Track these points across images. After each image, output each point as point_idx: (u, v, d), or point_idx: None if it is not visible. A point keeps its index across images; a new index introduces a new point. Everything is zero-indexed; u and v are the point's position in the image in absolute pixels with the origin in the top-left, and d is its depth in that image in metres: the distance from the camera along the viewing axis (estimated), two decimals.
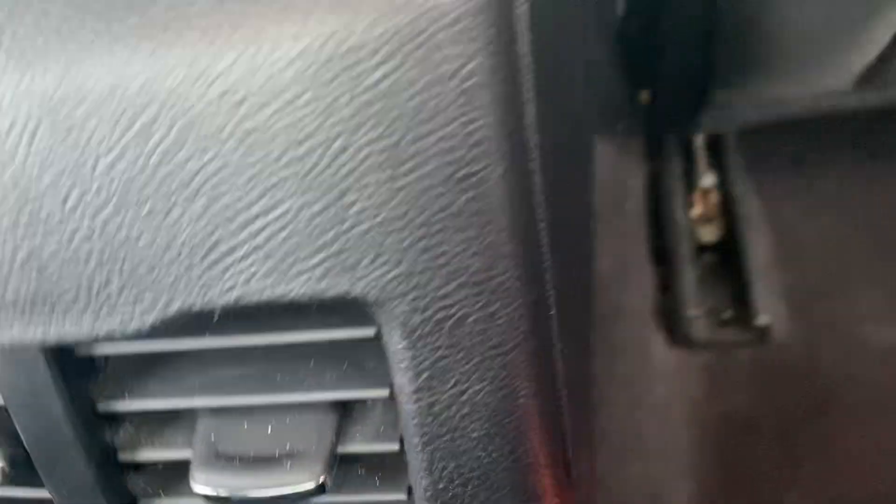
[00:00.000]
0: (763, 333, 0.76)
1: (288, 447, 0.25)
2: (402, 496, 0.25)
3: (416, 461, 0.24)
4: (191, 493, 0.27)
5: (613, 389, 0.72)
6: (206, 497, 0.25)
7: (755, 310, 0.77)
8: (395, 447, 0.24)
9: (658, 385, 0.77)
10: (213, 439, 0.25)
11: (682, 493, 0.73)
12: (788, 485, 0.74)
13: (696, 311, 0.78)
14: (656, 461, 0.72)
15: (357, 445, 0.25)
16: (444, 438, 0.23)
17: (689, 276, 0.80)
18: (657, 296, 0.81)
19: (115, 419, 0.26)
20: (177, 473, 0.27)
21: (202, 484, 0.25)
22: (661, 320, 0.80)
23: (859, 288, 0.83)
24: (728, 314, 0.79)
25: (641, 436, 0.73)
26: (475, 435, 0.23)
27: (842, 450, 0.75)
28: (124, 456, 0.26)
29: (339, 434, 0.25)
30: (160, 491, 0.27)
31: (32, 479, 0.27)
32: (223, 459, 0.25)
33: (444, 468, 0.24)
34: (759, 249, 0.84)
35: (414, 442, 0.23)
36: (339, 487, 0.26)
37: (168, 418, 0.27)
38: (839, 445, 0.75)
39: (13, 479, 0.28)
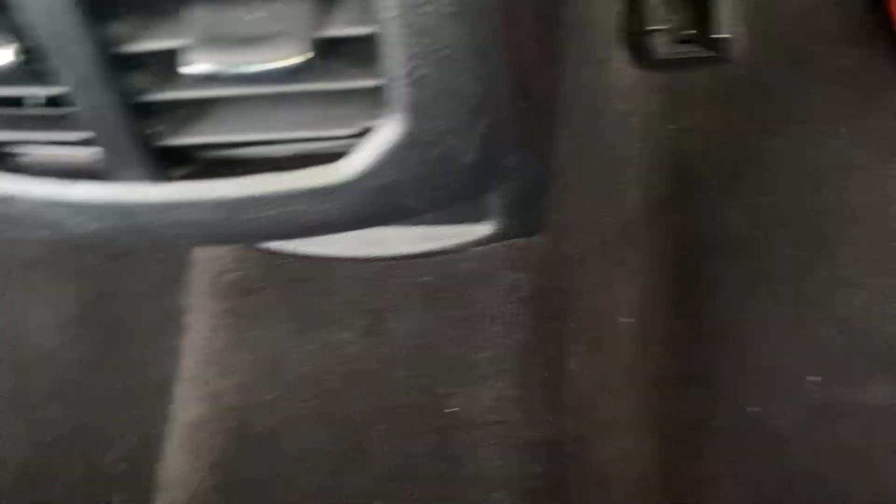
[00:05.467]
0: (721, 47, 0.79)
1: (273, 30, 0.27)
2: (379, 81, 0.29)
3: (393, 38, 0.27)
4: (180, 86, 0.30)
5: (571, 97, 0.76)
6: (196, 78, 0.28)
7: (716, 26, 0.79)
8: (371, 30, 0.27)
9: (616, 99, 0.81)
10: (203, 26, 0.28)
11: (634, 194, 0.79)
12: (730, 195, 0.81)
13: (660, 26, 0.80)
14: (611, 164, 0.77)
15: (338, 29, 0.28)
16: (421, 10, 0.26)
17: None
18: (623, 13, 0.82)
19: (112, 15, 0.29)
20: (167, 68, 0.30)
21: (194, 63, 0.28)
22: (625, 37, 0.81)
23: (824, 9, 0.85)
24: (690, 31, 0.81)
25: (597, 142, 0.78)
26: (446, 11, 0.26)
27: (781, 166, 0.81)
28: (124, 48, 0.29)
29: (322, 20, 0.28)
30: (151, 85, 0.30)
31: (44, 78, 0.30)
32: (214, 43, 0.28)
33: (416, 43, 0.27)
34: None
35: (392, 15, 0.26)
36: (320, 75, 0.29)
37: (160, 19, 0.29)
38: (780, 162, 0.81)
39: (23, 74, 0.30)
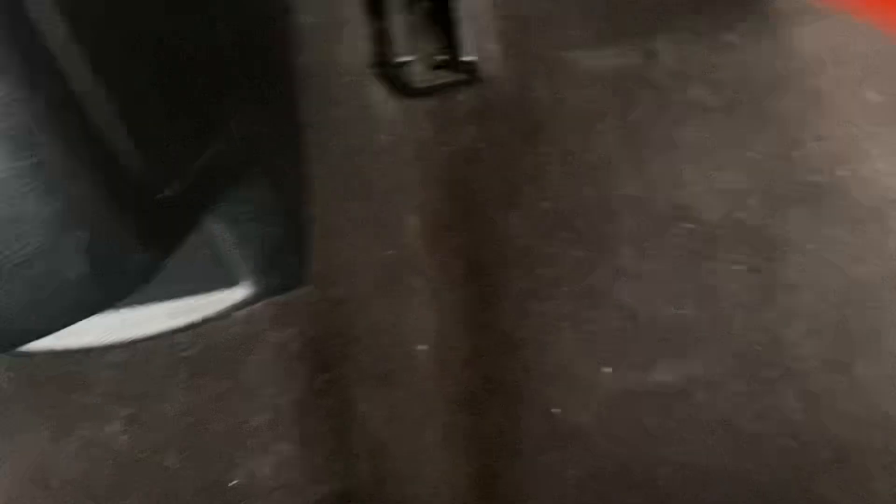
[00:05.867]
0: (472, 69, 0.81)
1: None
2: None
3: None
4: None
5: (329, 138, 0.76)
6: None
7: (465, 49, 0.81)
8: None
9: (382, 132, 0.82)
10: None
11: (414, 223, 0.80)
12: (508, 206, 0.83)
13: (410, 57, 0.81)
14: (380, 198, 0.78)
15: None
16: None
17: (402, 24, 0.82)
18: (373, 48, 0.83)
19: None
20: None
21: None
22: (380, 71, 0.83)
23: (569, 17, 0.89)
24: (442, 57, 0.83)
25: (367, 178, 0.78)
26: None
27: (550, 171, 0.84)
28: None
29: None
30: None
31: None
32: None
33: None
34: None
35: None
36: None
37: None
38: (550, 167, 0.85)
39: None
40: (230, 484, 0.57)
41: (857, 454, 0.76)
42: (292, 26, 0.72)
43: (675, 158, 0.85)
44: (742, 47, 0.88)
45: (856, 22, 0.88)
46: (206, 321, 0.62)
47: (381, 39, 0.82)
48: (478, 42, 0.83)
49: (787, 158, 0.84)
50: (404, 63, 0.81)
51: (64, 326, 0.32)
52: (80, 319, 0.33)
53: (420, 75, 0.82)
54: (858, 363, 0.78)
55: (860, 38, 0.88)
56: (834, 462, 0.76)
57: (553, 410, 0.77)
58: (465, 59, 0.80)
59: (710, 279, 0.81)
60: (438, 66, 0.83)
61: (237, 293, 0.62)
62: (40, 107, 0.26)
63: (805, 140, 0.85)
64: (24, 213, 0.27)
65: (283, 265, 0.64)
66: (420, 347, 0.75)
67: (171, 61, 0.35)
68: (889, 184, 0.82)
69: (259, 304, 0.64)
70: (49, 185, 0.27)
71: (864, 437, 0.77)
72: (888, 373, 0.77)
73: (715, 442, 0.77)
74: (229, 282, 0.62)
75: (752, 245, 0.82)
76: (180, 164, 0.38)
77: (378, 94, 0.82)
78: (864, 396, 0.77)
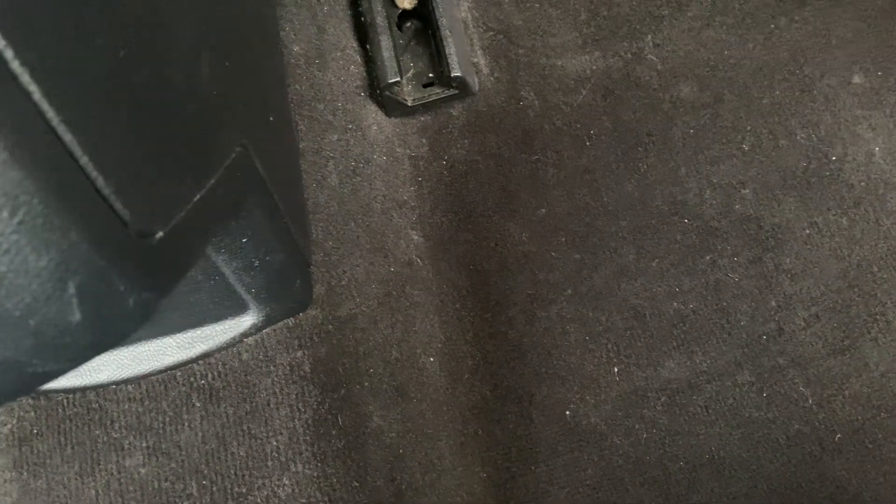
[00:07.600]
0: (460, 84, 0.83)
1: None
2: None
3: None
4: None
5: (326, 162, 0.78)
6: None
7: (453, 64, 0.83)
8: None
9: (379, 152, 0.84)
10: None
11: (416, 237, 0.82)
12: (506, 215, 0.85)
13: (400, 77, 0.83)
14: (380, 217, 0.80)
15: None
16: None
17: (389, 45, 0.84)
18: (362, 69, 0.85)
19: None
20: None
21: None
22: (372, 93, 0.85)
23: (553, 24, 0.91)
24: (432, 74, 0.85)
25: (362, 198, 0.80)
26: None
27: (545, 177, 0.86)
28: None
29: None
30: None
31: None
32: None
33: None
34: (455, 6, 0.88)
35: None
36: None
37: None
38: (544, 173, 0.86)
39: None
40: None
41: (869, 436, 0.77)
42: (282, 56, 0.74)
43: (668, 155, 0.86)
44: (727, 41, 0.89)
45: (836, 8, 0.89)
46: (217, 350, 0.64)
47: (371, 62, 0.84)
48: (465, 56, 0.85)
49: (778, 147, 0.85)
50: (395, 83, 0.83)
51: (73, 368, 0.34)
52: (88, 360, 0.35)
53: (411, 94, 0.84)
54: (864, 345, 0.78)
55: (843, 23, 0.89)
56: (847, 445, 0.77)
57: (566, 412, 0.78)
58: (454, 74, 0.82)
59: (712, 272, 0.82)
60: (428, 84, 0.84)
61: (245, 320, 0.64)
62: (28, 164, 0.28)
63: (795, 128, 0.85)
64: (22, 266, 0.29)
65: (286, 290, 0.66)
66: (430, 359, 0.77)
67: (155, 104, 0.37)
68: (882, 165, 0.83)
69: (267, 330, 0.66)
70: (43, 239, 0.29)
71: (876, 419, 0.77)
72: (894, 353, 0.78)
73: (727, 433, 0.77)
74: (236, 310, 0.64)
75: (750, 235, 0.83)
76: (174, 204, 0.39)
77: (371, 116, 0.84)
78: (872, 378, 0.78)
